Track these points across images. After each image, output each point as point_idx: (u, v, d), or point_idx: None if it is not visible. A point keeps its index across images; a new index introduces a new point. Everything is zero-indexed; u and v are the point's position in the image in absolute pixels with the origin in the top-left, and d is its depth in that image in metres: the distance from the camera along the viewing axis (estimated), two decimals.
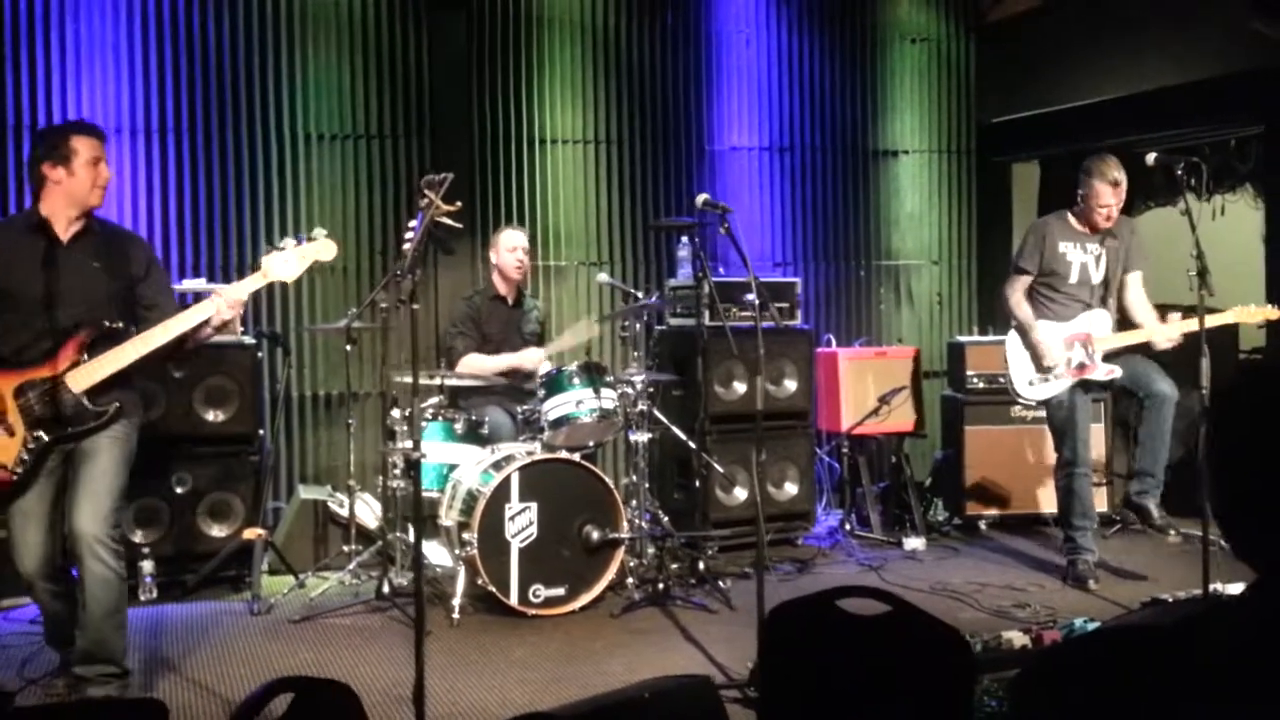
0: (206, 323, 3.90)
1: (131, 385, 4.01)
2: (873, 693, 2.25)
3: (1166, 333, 5.49)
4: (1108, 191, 5.46)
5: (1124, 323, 5.68)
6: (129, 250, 4.05)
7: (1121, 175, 5.46)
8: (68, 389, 3.80)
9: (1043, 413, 6.79)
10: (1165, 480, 5.72)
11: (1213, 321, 5.24)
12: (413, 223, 3.42)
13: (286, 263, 3.97)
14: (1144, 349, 5.64)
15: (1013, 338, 5.75)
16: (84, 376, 3.81)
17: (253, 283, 4.01)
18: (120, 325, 3.91)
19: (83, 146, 3.89)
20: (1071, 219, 5.65)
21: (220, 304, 3.86)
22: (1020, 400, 5.80)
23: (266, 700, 1.84)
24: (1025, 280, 5.69)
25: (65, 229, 3.91)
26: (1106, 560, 5.77)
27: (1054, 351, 5.55)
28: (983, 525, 6.82)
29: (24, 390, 3.79)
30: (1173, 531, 5.59)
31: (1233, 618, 2.20)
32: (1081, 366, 5.55)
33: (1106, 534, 6.33)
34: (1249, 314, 5.56)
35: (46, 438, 3.81)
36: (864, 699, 2.25)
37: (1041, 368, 5.60)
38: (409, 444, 5.44)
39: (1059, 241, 5.62)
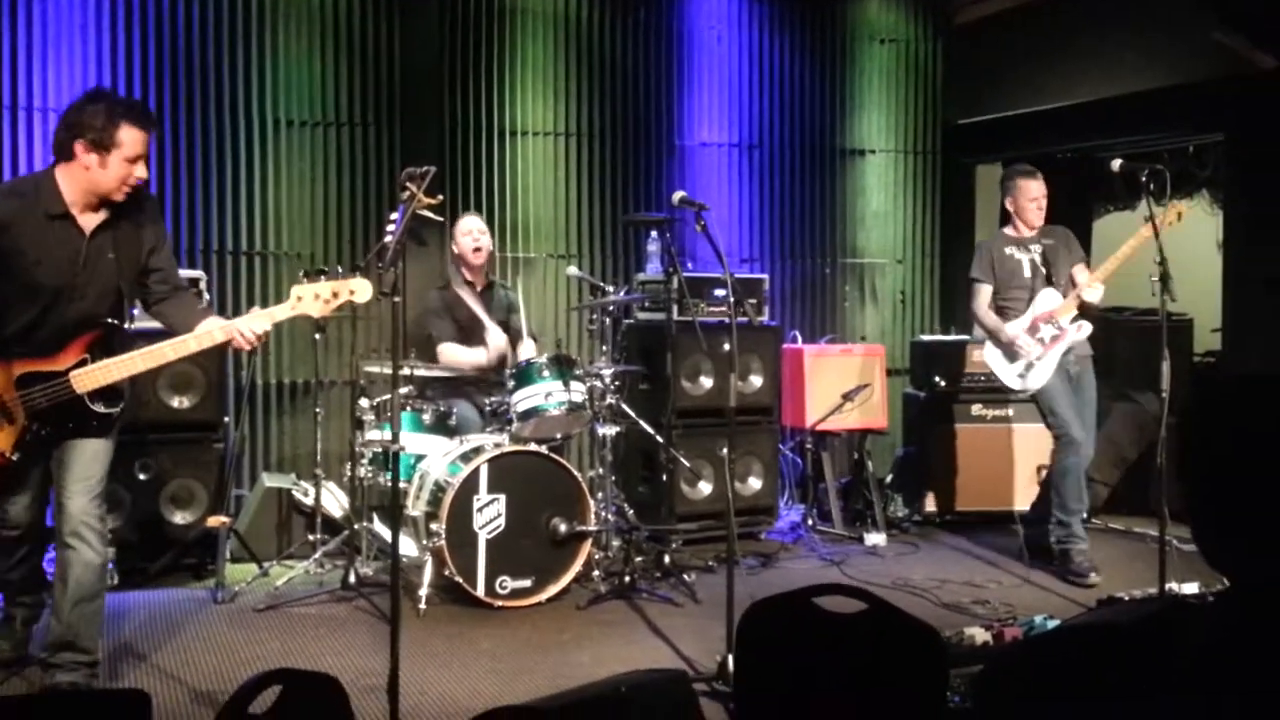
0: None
1: (125, 389, 3.94)
2: (849, 690, 2.30)
3: (1088, 293, 5.69)
4: (1033, 185, 5.88)
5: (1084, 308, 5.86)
6: (142, 226, 3.85)
7: (1035, 171, 5.94)
8: (72, 389, 3.70)
9: (1006, 410, 6.95)
10: (1120, 478, 5.93)
11: (1123, 250, 5.53)
12: (394, 215, 3.42)
13: (318, 299, 3.70)
14: (1119, 340, 5.88)
15: (988, 346, 6.00)
16: (89, 379, 3.71)
17: (279, 312, 3.77)
18: (127, 327, 3.85)
19: (129, 141, 3.64)
20: (1009, 231, 6.02)
21: (237, 335, 3.71)
22: (1023, 393, 5.97)
23: (258, 691, 1.86)
24: (985, 290, 5.96)
25: (84, 213, 3.72)
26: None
27: (1027, 343, 5.77)
28: (942, 522, 6.92)
29: (28, 381, 3.69)
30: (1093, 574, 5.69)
31: (1202, 620, 2.26)
32: (1054, 338, 5.75)
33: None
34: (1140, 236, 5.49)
35: (45, 430, 3.74)
36: (840, 697, 2.30)
37: (1018, 358, 5.80)
38: (380, 434, 5.45)
39: (1003, 247, 5.95)
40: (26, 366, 3.70)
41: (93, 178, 3.66)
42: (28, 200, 3.71)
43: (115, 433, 3.92)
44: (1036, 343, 5.77)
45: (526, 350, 6.19)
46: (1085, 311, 5.83)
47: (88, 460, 3.80)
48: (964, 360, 7.00)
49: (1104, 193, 8.54)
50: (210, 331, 3.75)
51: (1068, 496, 5.75)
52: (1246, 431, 1.72)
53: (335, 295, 3.69)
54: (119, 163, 3.65)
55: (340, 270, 3.83)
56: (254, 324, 3.74)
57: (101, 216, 3.76)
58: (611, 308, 5.99)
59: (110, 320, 3.80)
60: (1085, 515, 5.89)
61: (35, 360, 3.70)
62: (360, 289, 3.70)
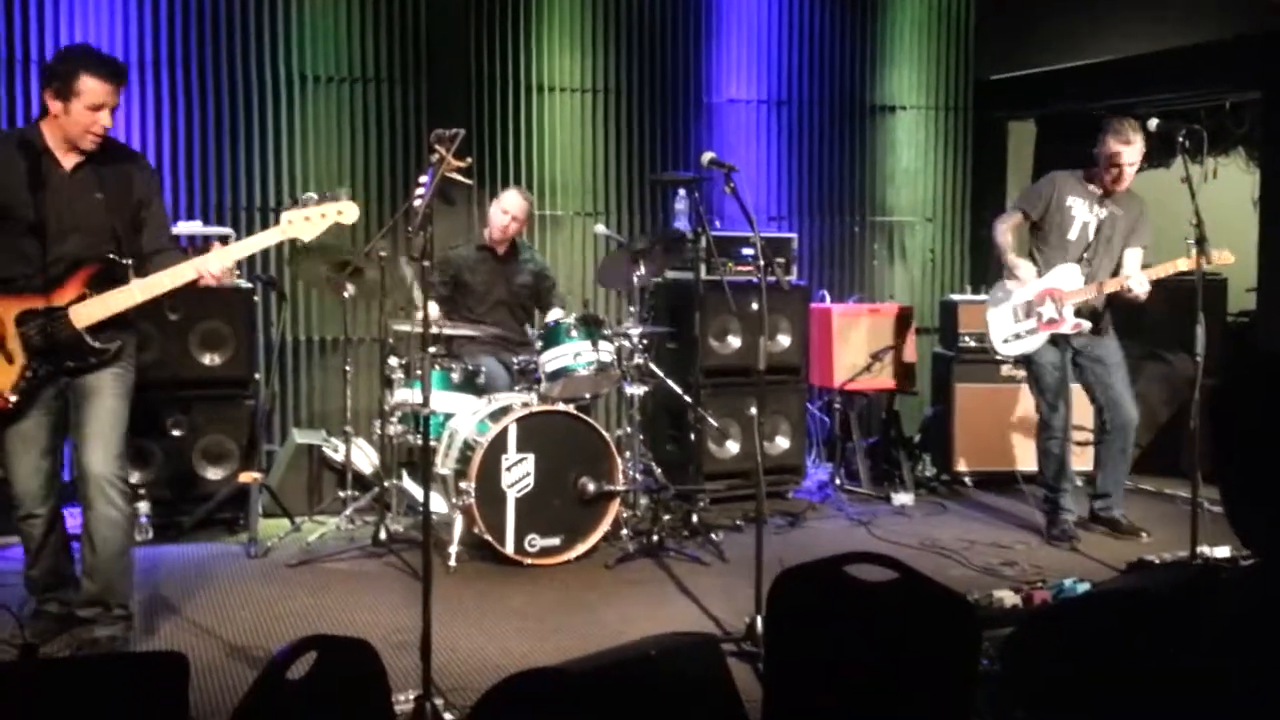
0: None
1: (131, 326, 3.97)
2: (879, 659, 2.30)
3: (1140, 279, 5.39)
4: (1120, 149, 5.39)
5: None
6: (132, 175, 3.95)
7: (1138, 137, 5.40)
8: (71, 324, 3.76)
9: None
10: (1151, 439, 5.84)
11: (1157, 273, 5.35)
12: (423, 178, 3.41)
13: (308, 220, 3.85)
14: (1117, 302, 5.65)
15: (993, 293, 5.82)
16: (88, 313, 3.77)
17: (267, 239, 3.93)
18: (125, 261, 3.86)
19: (89, 89, 3.72)
20: (1086, 177, 5.62)
21: (203, 271, 3.81)
22: (998, 358, 5.93)
23: (294, 659, 1.88)
24: (1018, 218, 5.71)
25: (67, 157, 3.82)
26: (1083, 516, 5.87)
27: (1027, 277, 5.56)
28: (970, 482, 6.91)
29: (26, 319, 3.74)
30: (1144, 534, 5.67)
31: (1234, 590, 2.25)
32: (1051, 321, 5.58)
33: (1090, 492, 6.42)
34: (1185, 263, 5.36)
35: (46, 369, 3.78)
36: (870, 666, 2.31)
37: (1013, 318, 5.64)
38: (409, 394, 5.47)
39: (1068, 195, 5.60)
40: (25, 304, 3.75)
41: (61, 124, 3.77)
42: (11, 138, 3.86)
43: (128, 386, 3.93)
44: (1034, 316, 5.58)
45: (554, 316, 6.20)
46: (1115, 302, 5.61)
47: (105, 420, 3.84)
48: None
49: None
50: (184, 266, 3.83)
51: (1050, 474, 5.71)
52: (1278, 406, 1.71)
53: (323, 216, 3.85)
54: (81, 110, 3.74)
55: (329, 194, 3.95)
56: (212, 264, 3.83)
57: (80, 157, 3.84)
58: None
59: (110, 257, 3.84)
60: (1077, 484, 5.85)
61: (34, 297, 3.75)
62: (347, 210, 3.88)
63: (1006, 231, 5.68)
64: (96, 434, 3.82)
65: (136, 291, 3.81)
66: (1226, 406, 1.79)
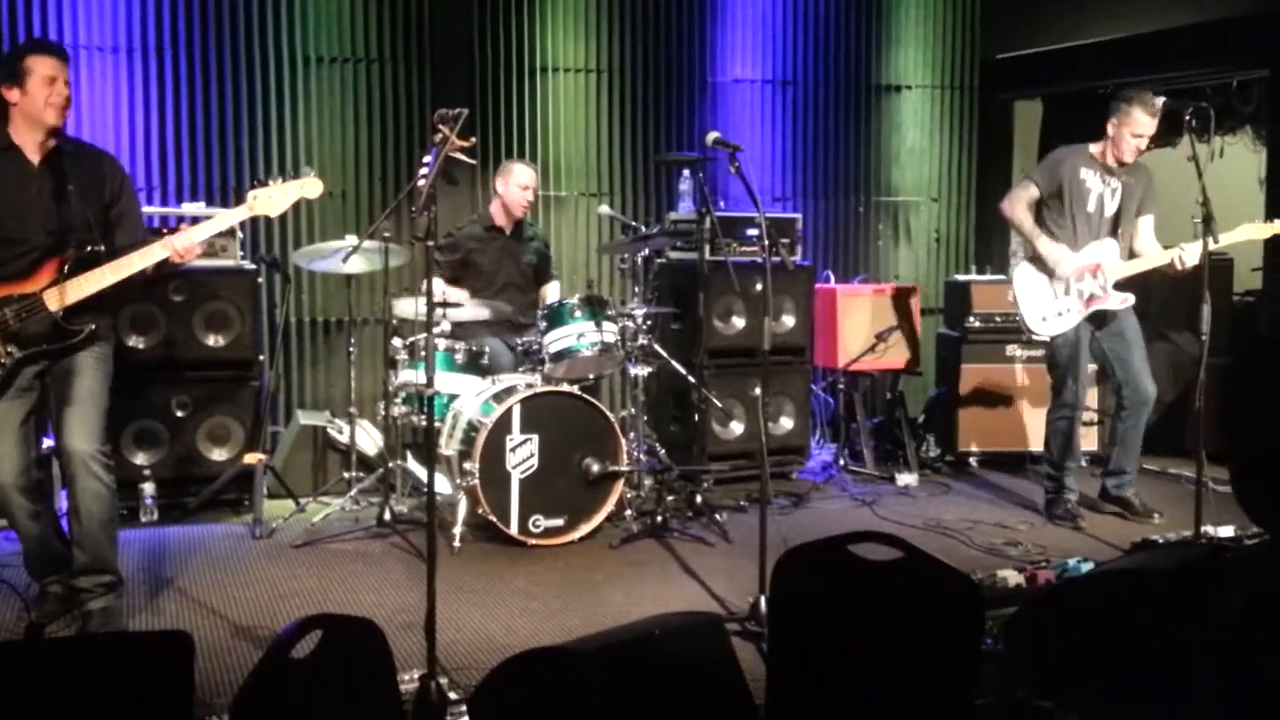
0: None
1: (106, 309, 4.04)
2: (883, 639, 2.31)
3: (1187, 255, 5.33)
4: (1147, 121, 5.36)
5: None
6: (102, 169, 4.07)
7: (1159, 110, 5.37)
8: (44, 307, 3.84)
9: (1037, 351, 6.87)
10: (1157, 419, 5.79)
11: (1226, 240, 5.21)
12: (426, 158, 3.40)
13: (272, 198, 4.04)
14: (1155, 280, 5.61)
15: (1021, 271, 5.66)
16: (63, 295, 3.85)
17: (234, 216, 4.13)
18: (100, 249, 3.93)
19: (37, 65, 3.87)
20: (1094, 150, 5.57)
21: (173, 247, 3.91)
22: (1033, 337, 5.75)
23: (299, 637, 1.89)
24: (1031, 191, 5.59)
25: (34, 151, 3.93)
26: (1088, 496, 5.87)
27: (1066, 261, 5.47)
28: (974, 462, 6.91)
29: (0, 305, 3.83)
30: (1156, 515, 5.64)
31: (1239, 569, 2.25)
32: (1093, 297, 5.51)
33: (1097, 472, 6.41)
34: (1259, 229, 5.44)
35: (20, 353, 3.86)
36: (875, 644, 2.31)
37: (1051, 296, 5.54)
38: (413, 374, 5.48)
39: (1080, 167, 5.54)
40: (1, 291, 3.84)
41: (23, 109, 3.89)
42: None
43: (107, 368, 4.01)
44: (1073, 293, 5.51)
45: (553, 293, 6.20)
46: (1168, 275, 5.52)
47: (85, 400, 3.92)
48: (999, 300, 6.94)
49: None
50: (155, 245, 3.94)
51: (1057, 452, 5.67)
52: None
53: (287, 194, 4.06)
54: (37, 85, 3.87)
55: (291, 174, 4.13)
56: (179, 241, 3.94)
57: (49, 147, 3.94)
58: (645, 247, 5.96)
59: (90, 247, 3.91)
60: (1082, 464, 5.80)
61: (8, 285, 3.85)
62: (310, 185, 4.08)
63: (1023, 208, 5.58)
64: (77, 414, 3.90)
65: (107, 273, 3.89)
66: (1236, 388, 1.79)
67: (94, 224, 3.96)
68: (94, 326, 3.94)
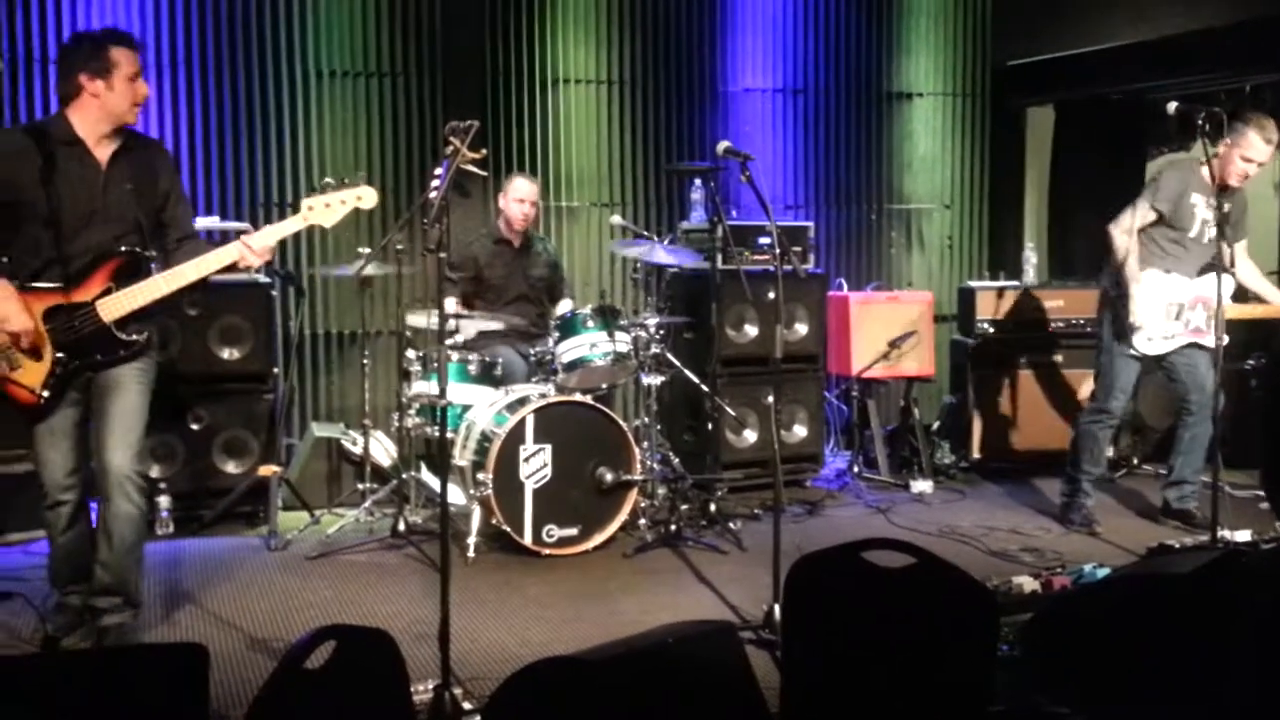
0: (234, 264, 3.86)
1: (153, 318, 3.96)
2: (898, 645, 2.30)
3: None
4: (1261, 146, 5.20)
5: (1239, 294, 5.50)
6: (157, 166, 3.97)
7: (1272, 129, 5.20)
8: (99, 318, 3.77)
9: (1054, 357, 6.83)
10: (1170, 427, 5.72)
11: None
12: (438, 170, 3.41)
13: (328, 207, 3.85)
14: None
15: (1148, 280, 5.40)
16: (115, 306, 3.78)
17: (289, 226, 3.91)
18: (151, 254, 3.87)
19: (123, 60, 3.76)
20: (1203, 171, 5.38)
21: (246, 252, 3.80)
22: (1132, 352, 5.44)
23: (313, 648, 1.89)
24: (1150, 215, 5.37)
25: (98, 145, 3.81)
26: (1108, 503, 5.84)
27: (1144, 313, 5.31)
28: (989, 469, 6.89)
29: (55, 314, 3.75)
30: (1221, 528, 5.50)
31: (1261, 572, 2.24)
32: (1198, 330, 5.39)
33: (1114, 477, 6.39)
34: None
35: (75, 363, 3.79)
36: (889, 651, 2.30)
37: (1166, 311, 5.38)
38: (426, 386, 5.49)
39: (1193, 190, 5.38)
40: (52, 300, 3.76)
41: (104, 104, 3.77)
42: (25, 137, 3.81)
43: (150, 381, 3.93)
44: (1183, 320, 5.36)
45: (565, 308, 6.20)
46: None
47: (128, 416, 3.85)
48: (1013, 307, 6.93)
49: (1157, 134, 8.35)
50: (221, 250, 3.83)
51: (1083, 457, 5.59)
52: None
53: (343, 203, 3.86)
54: (122, 82, 3.76)
55: (346, 180, 3.94)
56: (255, 241, 3.84)
57: (114, 146, 3.85)
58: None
59: (134, 250, 3.84)
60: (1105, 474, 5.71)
61: (60, 294, 3.76)
62: (366, 195, 3.87)
63: (1132, 234, 5.36)
64: (119, 429, 3.83)
65: (161, 283, 3.81)
66: (1270, 390, 1.79)
67: (145, 226, 3.89)
68: (146, 335, 3.88)
